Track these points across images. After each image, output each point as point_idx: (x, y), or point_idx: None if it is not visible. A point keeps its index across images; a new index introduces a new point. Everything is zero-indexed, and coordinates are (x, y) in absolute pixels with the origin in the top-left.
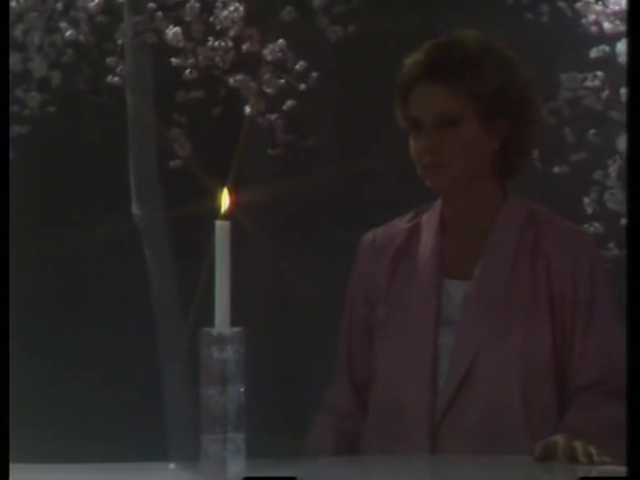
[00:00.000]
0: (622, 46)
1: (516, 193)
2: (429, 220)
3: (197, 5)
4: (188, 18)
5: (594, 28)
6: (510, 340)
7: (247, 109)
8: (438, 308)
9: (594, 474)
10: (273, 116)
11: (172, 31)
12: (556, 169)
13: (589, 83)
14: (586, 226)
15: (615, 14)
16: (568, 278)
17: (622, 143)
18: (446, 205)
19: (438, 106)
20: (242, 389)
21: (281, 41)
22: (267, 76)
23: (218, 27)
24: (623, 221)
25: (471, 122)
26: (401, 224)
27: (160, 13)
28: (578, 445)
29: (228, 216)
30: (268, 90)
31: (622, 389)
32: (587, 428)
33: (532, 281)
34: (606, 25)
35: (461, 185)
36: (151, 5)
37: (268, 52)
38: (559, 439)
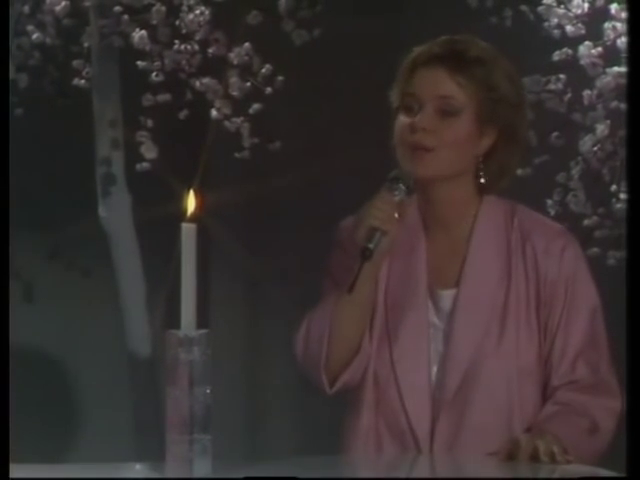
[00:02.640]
0: (584, 49)
1: (492, 194)
2: (409, 221)
3: (163, 9)
4: (154, 21)
5: (557, 31)
6: (503, 345)
7: (213, 112)
8: (428, 317)
9: (557, 474)
10: (239, 119)
11: (138, 34)
12: (520, 171)
13: (552, 86)
14: None
15: (577, 17)
16: (554, 280)
17: (584, 145)
18: (424, 204)
19: (443, 89)
20: (208, 390)
21: (247, 45)
22: (233, 79)
23: (184, 30)
24: (586, 222)
25: (469, 118)
26: None
27: (126, 16)
28: (540, 444)
29: (194, 219)
30: (234, 93)
31: (597, 385)
32: (560, 425)
33: (521, 284)
34: (569, 28)
35: (442, 179)
36: (117, 8)
37: (234, 56)
38: (522, 439)
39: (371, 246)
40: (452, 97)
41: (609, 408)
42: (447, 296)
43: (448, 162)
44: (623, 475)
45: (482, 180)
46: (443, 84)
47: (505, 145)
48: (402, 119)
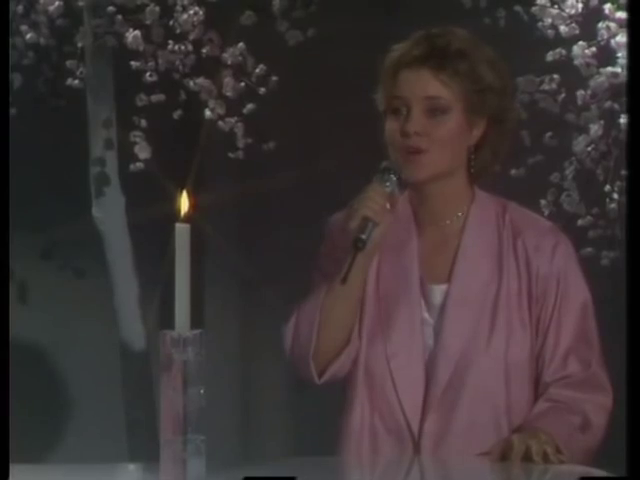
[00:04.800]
0: (578, 49)
1: (483, 191)
2: (401, 215)
3: (157, 9)
4: (148, 22)
5: (550, 32)
6: (493, 341)
7: (207, 112)
8: (421, 312)
9: (550, 474)
10: (233, 119)
11: (132, 34)
12: (513, 171)
13: (546, 86)
14: None
15: (571, 17)
16: (545, 276)
17: (578, 145)
18: (415, 199)
19: (429, 90)
20: (202, 391)
21: (241, 45)
22: (227, 80)
23: (178, 31)
24: (579, 222)
25: (458, 114)
26: None
27: (120, 16)
28: (533, 444)
29: (188, 219)
30: (228, 94)
31: (589, 381)
32: (552, 422)
33: (512, 280)
34: (562, 28)
35: (437, 178)
36: (111, 8)
37: (228, 56)
38: (514, 439)
39: (364, 237)
40: (439, 97)
41: (600, 404)
42: (438, 291)
43: (443, 161)
44: (623, 475)
45: (472, 170)
46: (428, 85)
47: (495, 131)
48: (391, 123)
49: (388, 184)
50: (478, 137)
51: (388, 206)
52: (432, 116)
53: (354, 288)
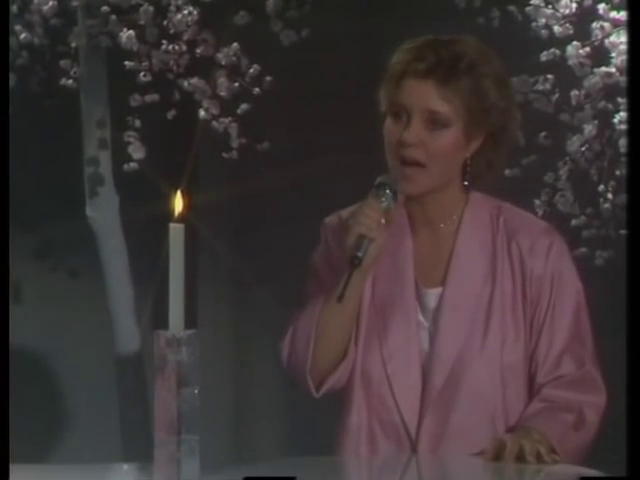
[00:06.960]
0: (572, 49)
1: (478, 192)
2: (396, 219)
3: (151, 9)
4: (142, 22)
5: (544, 32)
6: (488, 344)
7: (201, 113)
8: (416, 316)
9: (543, 474)
10: (227, 119)
11: (126, 34)
12: (507, 172)
13: (540, 86)
14: None
15: (565, 17)
16: (540, 277)
17: (572, 145)
18: (410, 203)
19: (431, 103)
20: (196, 391)
21: (235, 45)
22: (221, 80)
23: (172, 31)
24: (573, 222)
25: (457, 129)
26: None
27: (114, 16)
28: (526, 444)
29: (182, 219)
30: (222, 94)
31: (582, 381)
32: (546, 422)
33: (506, 283)
34: (556, 29)
35: (432, 191)
36: (105, 8)
37: (222, 56)
38: (507, 439)
39: (360, 254)
40: (439, 112)
41: (594, 403)
42: (433, 295)
43: (437, 176)
44: (623, 475)
45: (465, 182)
46: (431, 98)
47: (494, 144)
48: (391, 125)
49: (384, 199)
50: (475, 149)
51: (383, 221)
52: (431, 128)
53: (350, 304)
